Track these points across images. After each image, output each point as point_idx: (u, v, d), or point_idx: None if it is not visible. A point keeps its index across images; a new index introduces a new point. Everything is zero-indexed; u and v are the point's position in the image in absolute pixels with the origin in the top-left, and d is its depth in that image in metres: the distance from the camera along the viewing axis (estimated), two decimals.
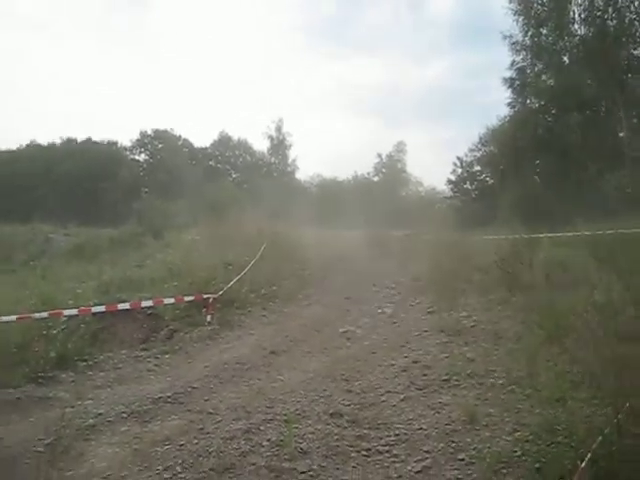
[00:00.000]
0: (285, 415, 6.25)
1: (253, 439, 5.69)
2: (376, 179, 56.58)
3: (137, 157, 62.00)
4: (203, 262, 14.25)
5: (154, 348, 9.75)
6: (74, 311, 9.58)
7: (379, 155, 57.18)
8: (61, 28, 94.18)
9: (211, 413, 6.55)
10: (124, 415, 6.57)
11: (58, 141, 61.77)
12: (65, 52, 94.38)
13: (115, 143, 61.53)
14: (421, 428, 5.78)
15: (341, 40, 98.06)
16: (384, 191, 47.35)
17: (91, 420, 6.37)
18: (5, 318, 8.51)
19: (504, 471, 4.66)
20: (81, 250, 25.96)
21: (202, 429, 6.05)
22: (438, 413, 6.14)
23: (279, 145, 61.07)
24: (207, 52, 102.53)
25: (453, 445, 5.31)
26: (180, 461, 5.28)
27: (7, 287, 14.38)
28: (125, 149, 61.85)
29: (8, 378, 7.69)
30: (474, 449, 5.15)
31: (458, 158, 40.52)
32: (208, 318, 11.06)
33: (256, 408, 6.56)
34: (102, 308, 9.93)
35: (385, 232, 22.97)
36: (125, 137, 65.91)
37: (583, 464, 4.00)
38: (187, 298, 11.18)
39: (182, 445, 5.64)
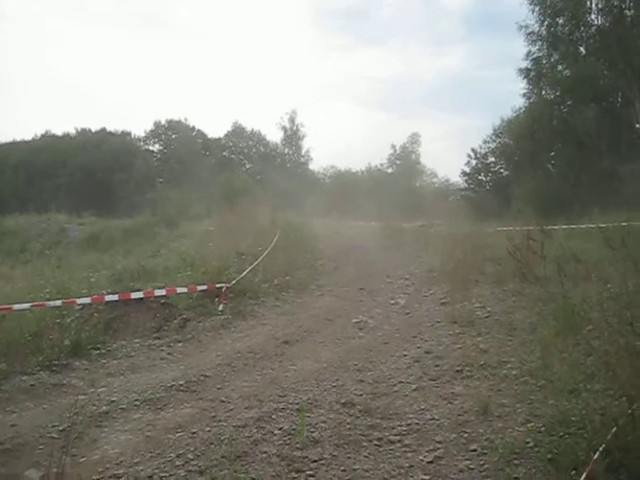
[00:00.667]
0: (297, 404, 6.25)
1: (265, 427, 5.69)
2: (390, 170, 56.60)
3: (151, 147, 62.29)
4: (216, 252, 14.25)
5: (167, 337, 9.77)
6: (87, 299, 9.64)
7: (393, 147, 57.23)
8: (76, 17, 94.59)
9: (223, 401, 6.56)
10: (137, 403, 6.59)
11: (73, 132, 62.34)
12: (79, 42, 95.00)
13: (129, 133, 61.95)
14: (433, 418, 5.74)
15: (353, 32, 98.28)
16: (398, 182, 47.37)
17: (104, 407, 6.40)
18: (19, 306, 8.57)
19: (516, 462, 4.61)
20: (96, 240, 26.25)
21: (214, 417, 6.07)
22: (450, 403, 6.10)
23: (292, 136, 61.24)
24: (221, 43, 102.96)
25: (465, 435, 5.27)
26: (192, 448, 5.29)
27: (23, 276, 14.49)
28: (139, 140, 62.13)
29: (23, 365, 7.77)
30: (486, 440, 5.11)
31: (472, 149, 40.30)
32: (220, 307, 11.09)
33: (268, 397, 6.57)
34: (115, 297, 9.93)
35: (399, 223, 22.93)
36: (139, 128, 66.22)
37: (596, 455, 3.95)
38: (200, 287, 11.19)
39: (194, 433, 5.66)
